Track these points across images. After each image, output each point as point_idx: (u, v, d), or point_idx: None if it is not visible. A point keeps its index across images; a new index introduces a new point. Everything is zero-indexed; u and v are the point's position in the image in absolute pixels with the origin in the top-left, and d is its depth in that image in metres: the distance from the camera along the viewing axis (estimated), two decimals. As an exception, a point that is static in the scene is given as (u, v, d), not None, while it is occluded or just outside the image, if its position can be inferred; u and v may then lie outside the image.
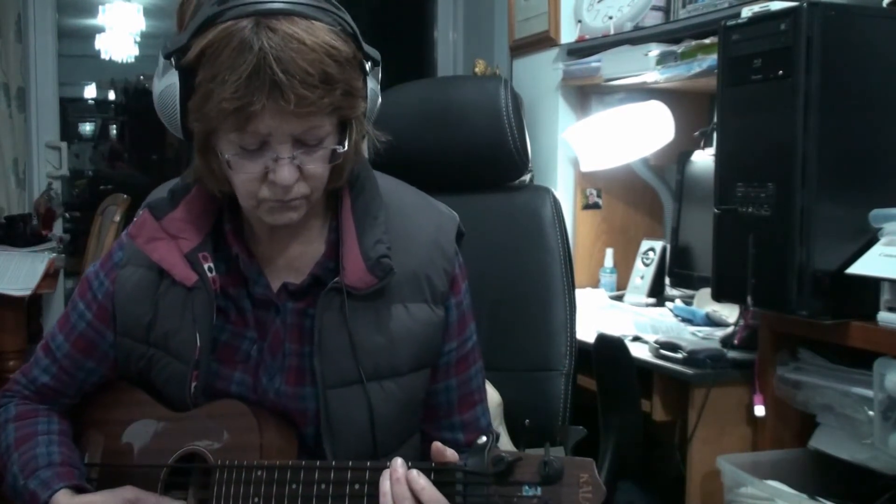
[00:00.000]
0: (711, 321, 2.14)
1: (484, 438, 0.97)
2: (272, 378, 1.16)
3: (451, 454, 0.99)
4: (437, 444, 1.00)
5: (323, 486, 1.04)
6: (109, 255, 1.23)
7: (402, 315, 1.15)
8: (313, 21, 1.00)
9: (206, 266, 1.13)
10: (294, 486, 1.05)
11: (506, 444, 1.55)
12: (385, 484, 0.99)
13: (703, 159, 2.33)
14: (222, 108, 0.98)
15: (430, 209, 1.23)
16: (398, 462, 0.99)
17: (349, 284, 1.11)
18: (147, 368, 1.19)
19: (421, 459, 1.16)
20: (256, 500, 1.06)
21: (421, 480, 0.98)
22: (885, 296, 1.52)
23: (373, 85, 1.10)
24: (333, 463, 1.05)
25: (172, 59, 1.02)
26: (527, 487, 0.94)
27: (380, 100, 1.13)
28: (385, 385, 1.15)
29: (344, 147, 1.07)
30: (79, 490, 1.15)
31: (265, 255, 1.17)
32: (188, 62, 1.01)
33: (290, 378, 1.15)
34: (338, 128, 1.07)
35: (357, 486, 1.02)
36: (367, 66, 1.07)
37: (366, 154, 1.20)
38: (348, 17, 1.05)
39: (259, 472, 1.07)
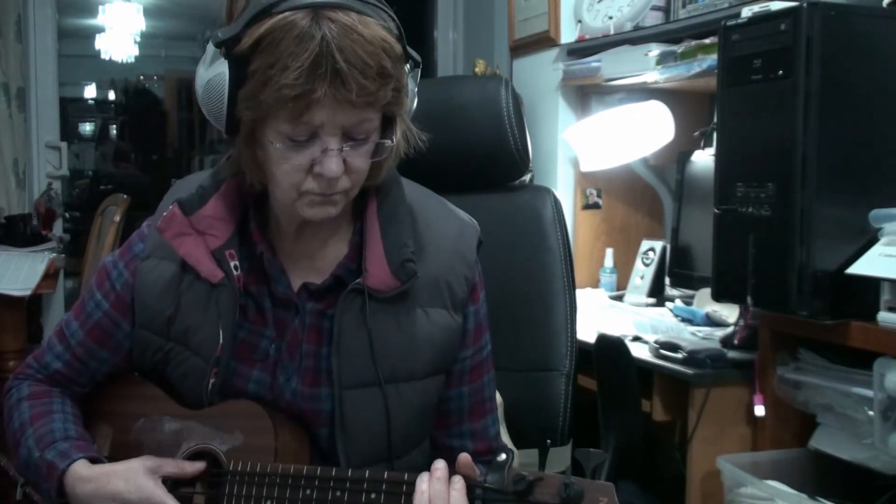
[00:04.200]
0: (711, 321, 2.14)
1: (504, 456, 0.98)
2: (288, 378, 1.16)
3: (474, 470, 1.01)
4: (466, 456, 1.01)
5: (338, 493, 1.04)
6: (129, 246, 1.23)
7: (422, 320, 1.15)
8: (365, 16, 1.01)
9: (232, 264, 1.13)
10: (308, 491, 1.05)
11: (506, 443, 1.55)
12: (423, 483, 1.00)
13: (703, 159, 2.34)
14: (282, 94, 0.98)
15: (452, 216, 1.23)
16: (442, 463, 1.02)
17: (371, 287, 1.12)
18: (164, 362, 1.19)
19: (430, 466, 1.16)
20: (269, 502, 1.07)
21: (458, 485, 0.99)
22: (885, 296, 1.52)
23: (412, 86, 1.11)
24: (350, 472, 1.05)
25: (223, 49, 1.01)
26: None
27: (416, 101, 1.14)
28: (401, 388, 1.15)
29: (392, 142, 1.08)
30: (95, 462, 1.16)
31: (288, 254, 1.17)
32: (241, 51, 1.01)
33: (307, 378, 1.15)
34: (381, 123, 1.08)
35: (373, 495, 1.03)
36: (408, 67, 1.08)
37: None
38: (395, 17, 1.07)
39: (273, 477, 1.07)
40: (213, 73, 1.03)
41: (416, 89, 1.12)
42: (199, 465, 1.13)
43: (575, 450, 1.51)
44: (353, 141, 1.04)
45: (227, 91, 1.02)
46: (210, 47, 1.03)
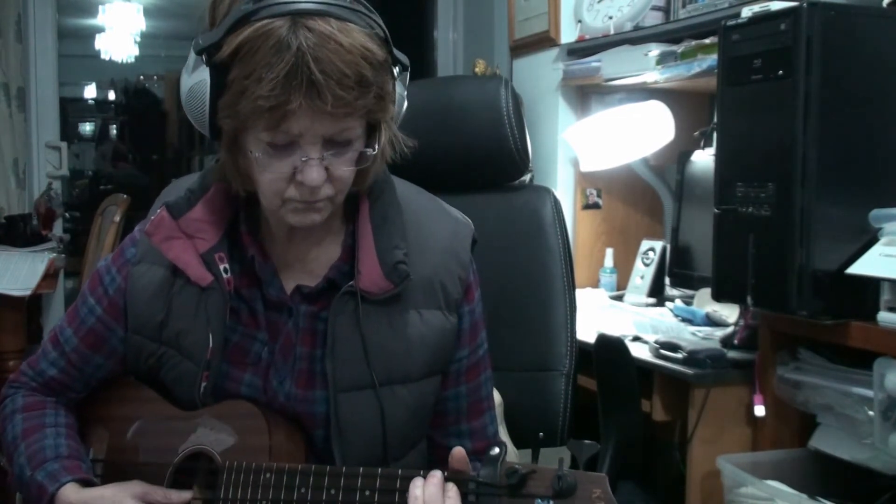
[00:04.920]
0: (711, 321, 2.14)
1: (497, 450, 0.98)
2: (282, 381, 1.16)
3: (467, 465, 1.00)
4: (460, 450, 1.01)
5: (332, 492, 1.04)
6: (122, 251, 1.23)
7: (416, 321, 1.15)
8: (348, 23, 1.00)
9: (221, 267, 1.13)
10: (303, 491, 1.05)
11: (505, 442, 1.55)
12: (417, 490, 0.99)
13: (703, 159, 2.34)
14: (258, 105, 0.97)
15: (446, 216, 1.23)
16: (437, 472, 1.01)
17: (364, 289, 1.11)
18: (157, 366, 1.19)
19: (428, 466, 1.16)
20: (264, 503, 1.07)
21: (451, 492, 0.98)
22: (885, 296, 1.52)
23: (400, 89, 1.09)
24: (344, 469, 1.05)
25: (204, 56, 1.00)
26: (539, 501, 0.94)
27: (405, 104, 1.13)
28: (397, 390, 1.15)
29: (374, 150, 1.07)
30: (86, 483, 1.15)
31: (280, 257, 1.17)
32: (221, 59, 1.00)
33: (301, 381, 1.15)
34: (365, 130, 1.07)
35: (367, 493, 1.02)
36: (396, 70, 1.07)
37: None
38: (380, 21, 1.05)
39: (268, 475, 1.07)
40: (195, 80, 1.02)
41: (406, 93, 1.11)
42: (185, 496, 1.13)
43: (568, 441, 1.51)
44: (334, 149, 1.03)
45: (208, 99, 1.01)
46: (192, 53, 1.02)
